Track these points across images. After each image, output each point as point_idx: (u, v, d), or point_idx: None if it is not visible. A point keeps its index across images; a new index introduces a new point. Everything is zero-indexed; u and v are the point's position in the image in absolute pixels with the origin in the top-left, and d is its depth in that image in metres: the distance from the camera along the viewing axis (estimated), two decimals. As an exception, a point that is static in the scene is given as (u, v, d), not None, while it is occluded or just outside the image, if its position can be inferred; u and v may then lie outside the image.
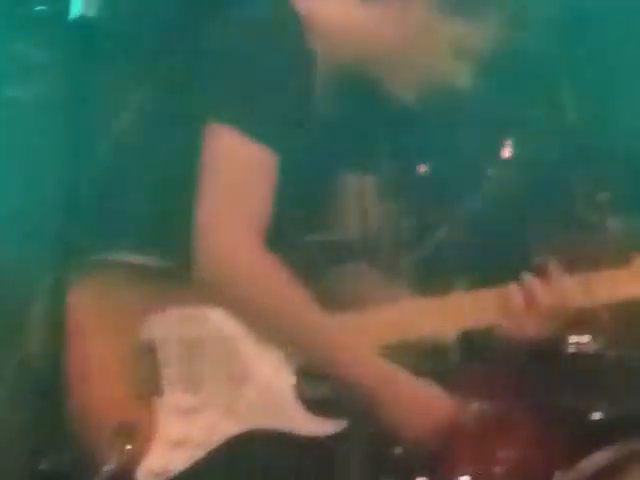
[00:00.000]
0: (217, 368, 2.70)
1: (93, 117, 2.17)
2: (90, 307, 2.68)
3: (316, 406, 2.65)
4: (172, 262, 2.71)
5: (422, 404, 2.66)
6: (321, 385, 2.75)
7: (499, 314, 2.79)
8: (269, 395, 2.71)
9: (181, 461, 2.60)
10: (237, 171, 2.62)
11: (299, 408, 2.68)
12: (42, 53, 3.74)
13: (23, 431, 2.43)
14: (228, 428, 2.67)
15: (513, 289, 2.76)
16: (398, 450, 3.50)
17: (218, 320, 2.68)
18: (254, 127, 2.57)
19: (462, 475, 3.60)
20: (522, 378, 3.73)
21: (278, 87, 2.66)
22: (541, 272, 2.84)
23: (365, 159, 3.08)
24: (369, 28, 2.79)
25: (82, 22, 1.91)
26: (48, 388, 2.16)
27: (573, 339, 3.78)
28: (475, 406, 3.60)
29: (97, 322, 2.67)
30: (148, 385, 2.65)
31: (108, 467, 2.49)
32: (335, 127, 2.87)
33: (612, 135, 4.35)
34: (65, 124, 2.04)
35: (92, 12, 1.90)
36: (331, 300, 2.84)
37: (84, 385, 2.56)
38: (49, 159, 2.67)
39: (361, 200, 3.09)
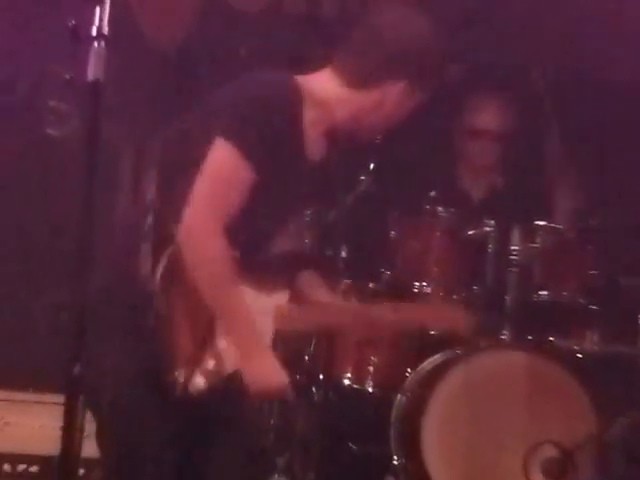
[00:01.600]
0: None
1: (104, 149, 2.33)
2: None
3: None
4: None
5: (261, 376, 2.62)
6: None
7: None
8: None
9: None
10: (219, 177, 2.53)
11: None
12: (69, 105, 3.81)
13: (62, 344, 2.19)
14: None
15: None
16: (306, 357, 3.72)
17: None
18: (247, 146, 2.47)
19: (347, 372, 3.77)
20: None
21: (272, 132, 2.54)
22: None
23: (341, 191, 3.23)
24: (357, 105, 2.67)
25: (95, 84, 1.89)
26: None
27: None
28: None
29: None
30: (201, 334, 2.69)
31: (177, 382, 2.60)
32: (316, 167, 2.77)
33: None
34: (83, 152, 1.98)
35: (102, 77, 1.88)
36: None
37: (169, 329, 2.57)
38: (72, 174, 2.65)
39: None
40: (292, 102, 2.57)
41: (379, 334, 3.50)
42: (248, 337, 2.65)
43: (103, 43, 1.90)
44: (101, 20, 1.91)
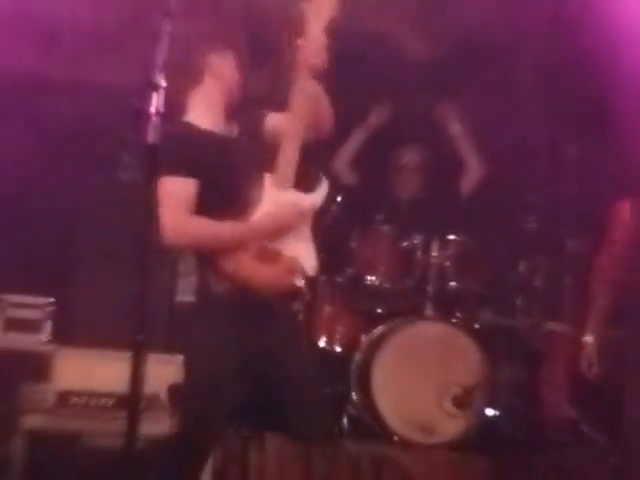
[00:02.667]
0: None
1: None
2: None
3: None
4: None
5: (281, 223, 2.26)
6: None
7: None
8: None
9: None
10: (169, 191, 2.26)
11: None
12: (135, 159, 3.64)
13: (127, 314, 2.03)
14: None
15: None
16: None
17: None
18: (176, 171, 2.26)
19: (322, 338, 3.66)
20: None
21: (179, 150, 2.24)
22: None
23: None
24: None
25: (152, 145, 1.87)
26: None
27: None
28: (328, 308, 3.67)
29: None
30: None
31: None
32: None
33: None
34: (143, 190, 1.96)
35: (157, 140, 1.87)
36: None
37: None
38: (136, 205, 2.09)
39: None
40: (178, 122, 2.31)
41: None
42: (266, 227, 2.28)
43: (158, 118, 1.90)
44: (157, 102, 1.89)
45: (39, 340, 3.40)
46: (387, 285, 3.62)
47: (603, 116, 3.66)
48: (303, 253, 2.30)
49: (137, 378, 1.90)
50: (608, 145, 3.63)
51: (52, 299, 3.47)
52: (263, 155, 2.38)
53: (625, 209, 2.83)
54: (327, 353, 3.63)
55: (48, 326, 3.44)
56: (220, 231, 2.27)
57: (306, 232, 2.33)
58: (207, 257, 2.28)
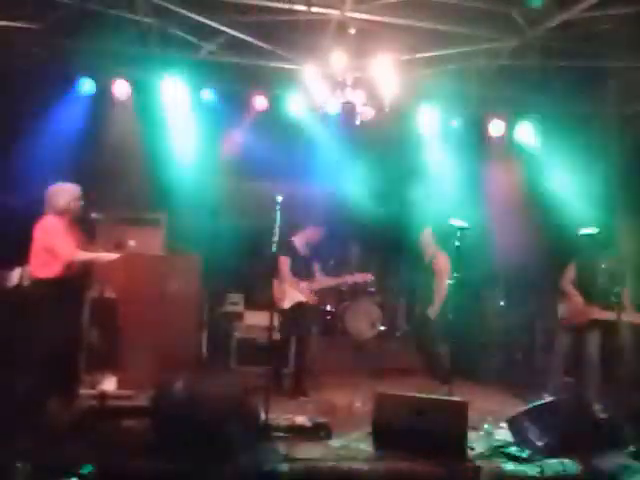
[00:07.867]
0: None
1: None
2: None
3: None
4: None
5: None
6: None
7: None
8: None
9: None
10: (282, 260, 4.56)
11: None
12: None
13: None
14: None
15: None
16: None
17: None
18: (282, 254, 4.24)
19: (328, 304, 7.63)
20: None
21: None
22: None
23: None
24: None
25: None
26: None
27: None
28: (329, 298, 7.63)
29: None
30: None
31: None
32: None
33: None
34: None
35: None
36: None
37: None
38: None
39: None
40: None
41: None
42: None
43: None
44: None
45: (239, 308, 7.13)
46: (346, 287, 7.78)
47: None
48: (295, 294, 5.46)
49: (271, 321, 4.37)
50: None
51: (243, 294, 7.13)
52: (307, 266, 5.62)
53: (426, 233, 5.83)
54: (327, 310, 7.86)
55: (242, 303, 7.17)
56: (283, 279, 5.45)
57: (303, 287, 5.56)
58: None
